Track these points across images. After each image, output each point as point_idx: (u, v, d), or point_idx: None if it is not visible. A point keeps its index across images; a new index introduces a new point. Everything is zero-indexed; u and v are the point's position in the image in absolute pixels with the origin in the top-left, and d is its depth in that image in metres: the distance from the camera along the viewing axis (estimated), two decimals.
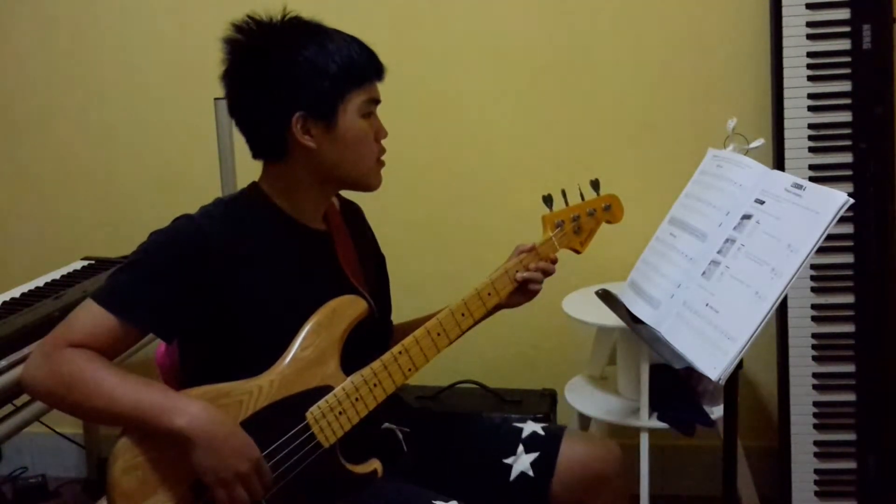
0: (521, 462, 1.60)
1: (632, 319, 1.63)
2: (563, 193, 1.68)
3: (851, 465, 2.22)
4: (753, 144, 1.62)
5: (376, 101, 1.52)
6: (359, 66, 1.47)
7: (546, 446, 1.61)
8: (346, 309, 1.49)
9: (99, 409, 1.33)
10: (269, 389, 1.41)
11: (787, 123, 2.19)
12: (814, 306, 2.20)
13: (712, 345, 1.40)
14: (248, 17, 1.47)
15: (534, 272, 1.62)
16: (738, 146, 1.64)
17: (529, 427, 1.65)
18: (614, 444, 1.68)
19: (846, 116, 2.18)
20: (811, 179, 1.93)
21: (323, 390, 1.44)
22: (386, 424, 1.60)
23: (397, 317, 1.73)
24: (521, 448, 1.61)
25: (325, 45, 1.45)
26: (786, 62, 2.19)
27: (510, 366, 2.56)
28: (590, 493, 1.60)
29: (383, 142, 1.54)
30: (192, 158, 2.60)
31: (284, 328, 1.44)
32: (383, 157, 1.54)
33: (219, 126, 2.12)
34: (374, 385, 1.48)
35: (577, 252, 1.71)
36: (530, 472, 1.59)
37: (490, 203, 2.54)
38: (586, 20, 2.43)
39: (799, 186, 1.43)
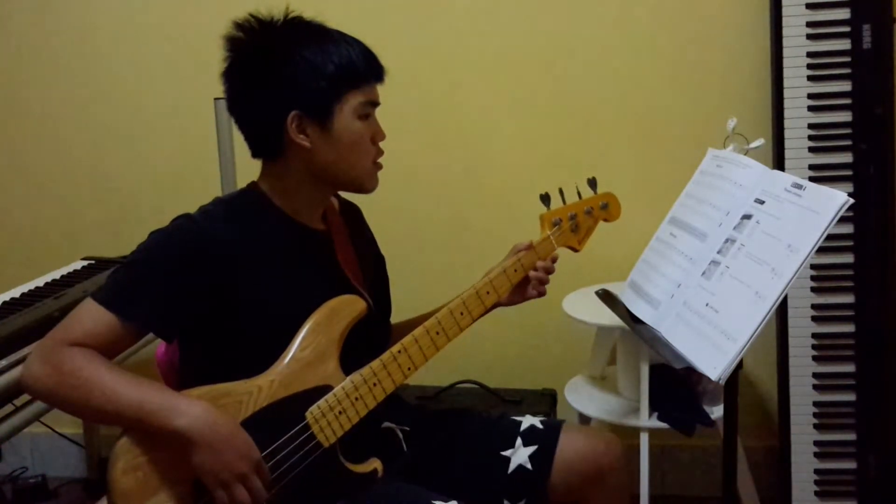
0: (520, 455, 1.60)
1: (632, 319, 1.64)
2: (561, 192, 1.68)
3: (851, 465, 2.22)
4: (753, 144, 1.62)
5: (375, 104, 1.52)
6: (357, 68, 1.47)
7: (544, 439, 1.61)
8: (346, 308, 1.49)
9: (98, 408, 1.33)
10: (269, 389, 1.41)
11: (787, 123, 2.19)
12: (814, 306, 2.20)
13: (712, 345, 1.40)
14: (251, 15, 1.48)
15: (539, 272, 1.62)
16: (738, 146, 1.64)
17: (528, 420, 1.66)
18: (614, 437, 1.68)
19: (846, 116, 2.18)
20: (811, 179, 1.93)
21: (322, 390, 1.44)
22: (386, 424, 1.60)
23: (397, 315, 1.73)
24: (519, 441, 1.61)
25: (324, 46, 1.45)
26: (786, 62, 2.19)
27: (510, 366, 2.56)
28: (589, 486, 1.60)
29: (382, 144, 1.54)
30: (192, 158, 2.60)
31: (284, 328, 1.44)
32: (380, 160, 1.54)
33: (219, 126, 2.12)
34: (374, 384, 1.48)
35: (575, 250, 1.71)
36: (528, 466, 1.59)
37: (488, 202, 2.54)
38: (586, 20, 2.43)
39: (799, 186, 1.43)
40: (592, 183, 1.70)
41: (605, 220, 1.73)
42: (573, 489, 1.60)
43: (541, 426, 1.64)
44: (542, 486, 1.58)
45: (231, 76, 1.49)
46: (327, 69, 1.44)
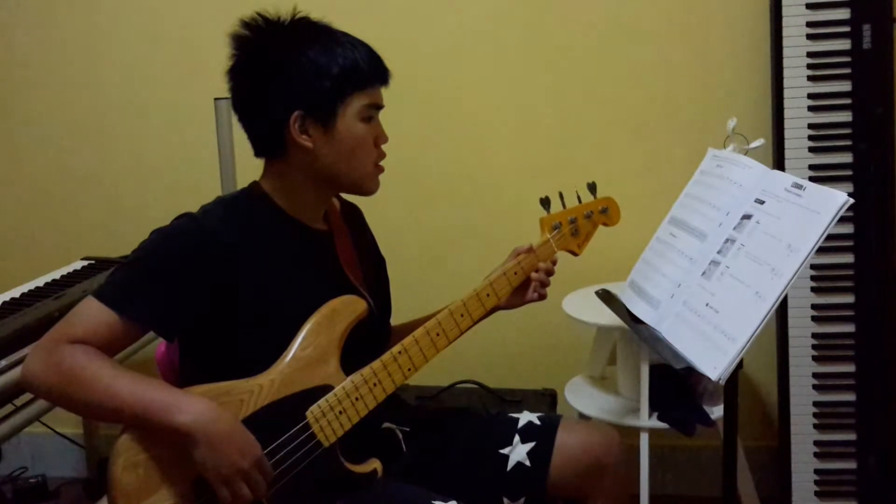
0: (518, 452, 1.60)
1: (632, 319, 1.64)
2: (561, 196, 1.68)
3: (851, 465, 2.22)
4: (753, 144, 1.62)
5: (378, 107, 1.52)
6: (362, 70, 1.47)
7: (542, 435, 1.61)
8: (346, 309, 1.49)
9: (99, 406, 1.33)
10: (270, 388, 1.41)
11: (787, 123, 2.20)
12: (814, 306, 2.21)
13: (712, 345, 1.40)
14: (258, 14, 1.48)
15: (540, 274, 1.63)
16: (738, 146, 1.64)
17: (525, 417, 1.66)
18: (611, 430, 1.68)
19: (846, 116, 2.18)
20: (811, 179, 1.93)
21: (323, 389, 1.45)
22: (386, 424, 1.60)
23: (397, 317, 1.73)
24: (517, 438, 1.61)
25: (329, 47, 1.45)
26: (786, 62, 2.19)
27: (510, 366, 2.56)
28: (588, 480, 1.60)
29: (384, 147, 1.54)
30: (192, 158, 2.60)
31: (285, 327, 1.45)
32: (382, 163, 1.54)
33: (219, 126, 2.12)
34: (374, 385, 1.48)
35: (575, 254, 1.72)
36: (527, 462, 1.59)
37: (489, 205, 2.54)
38: (585, 20, 2.43)
39: (799, 186, 1.43)
40: (592, 187, 1.71)
41: (605, 224, 1.74)
42: (572, 484, 1.60)
43: (538, 422, 1.64)
44: (541, 482, 1.58)
45: (236, 74, 1.49)
46: (332, 70, 1.44)
